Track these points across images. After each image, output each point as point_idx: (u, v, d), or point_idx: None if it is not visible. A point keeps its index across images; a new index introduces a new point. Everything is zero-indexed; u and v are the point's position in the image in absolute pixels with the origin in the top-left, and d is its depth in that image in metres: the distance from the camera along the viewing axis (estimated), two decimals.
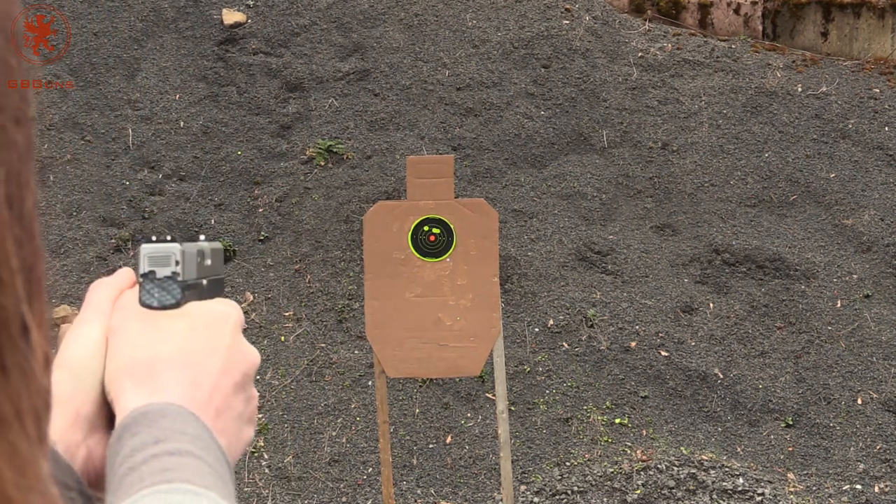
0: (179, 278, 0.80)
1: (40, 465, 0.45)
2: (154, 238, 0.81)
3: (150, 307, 0.78)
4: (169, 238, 0.81)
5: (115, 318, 0.78)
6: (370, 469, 5.38)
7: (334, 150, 6.87)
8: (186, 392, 0.74)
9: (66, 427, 0.73)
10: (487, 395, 5.68)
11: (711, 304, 6.12)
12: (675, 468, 5.28)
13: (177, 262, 0.80)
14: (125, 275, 0.82)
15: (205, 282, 0.83)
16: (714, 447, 5.48)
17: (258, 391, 5.77)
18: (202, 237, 0.87)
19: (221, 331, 0.79)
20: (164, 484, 0.66)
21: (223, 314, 0.80)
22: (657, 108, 7.17)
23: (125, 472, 0.67)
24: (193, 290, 0.81)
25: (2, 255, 0.43)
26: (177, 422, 0.71)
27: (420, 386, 5.76)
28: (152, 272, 0.79)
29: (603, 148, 6.96)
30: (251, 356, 0.80)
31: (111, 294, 0.80)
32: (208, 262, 0.85)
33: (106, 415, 0.76)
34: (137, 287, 0.80)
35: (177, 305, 0.79)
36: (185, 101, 7.13)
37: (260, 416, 5.59)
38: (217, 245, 0.89)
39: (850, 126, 7.03)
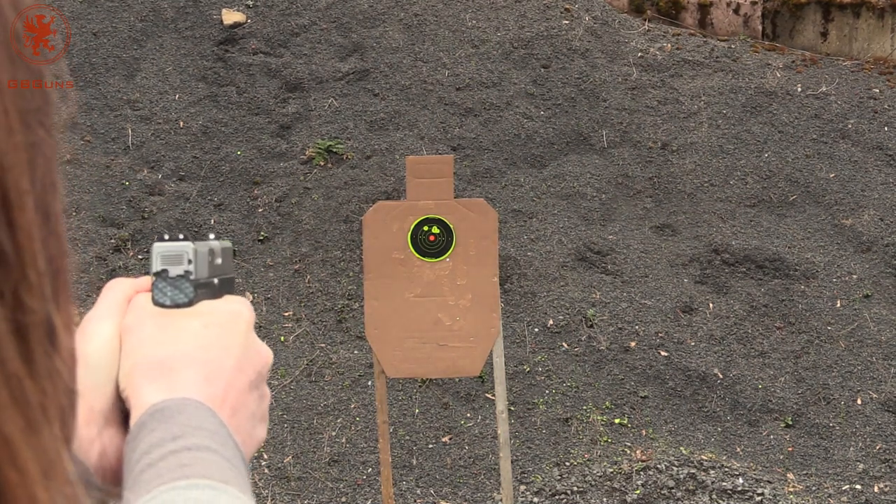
0: (192, 277, 0.80)
1: (66, 466, 0.45)
2: (167, 237, 0.81)
3: (162, 306, 0.78)
4: (181, 237, 0.81)
5: (129, 317, 0.78)
6: (370, 469, 5.38)
7: (334, 150, 6.87)
8: (202, 388, 0.74)
9: (81, 423, 0.73)
10: (487, 395, 5.68)
11: (711, 304, 6.12)
12: (675, 468, 5.28)
13: (189, 261, 0.80)
14: (144, 279, 0.82)
15: (216, 280, 0.83)
16: (714, 447, 5.48)
17: None
18: (212, 236, 0.87)
19: (235, 329, 0.78)
20: (182, 480, 0.65)
21: (236, 312, 0.80)
22: (657, 108, 7.17)
23: (143, 469, 0.67)
24: (206, 289, 0.81)
25: (30, 258, 0.43)
26: (194, 418, 0.71)
27: (420, 386, 5.76)
28: (165, 271, 0.79)
29: (603, 148, 6.96)
30: (265, 354, 0.80)
31: (127, 293, 0.80)
32: (219, 260, 0.85)
33: (119, 411, 0.75)
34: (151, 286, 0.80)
35: (189, 304, 0.79)
36: (185, 101, 7.13)
37: None
38: (227, 244, 0.88)
39: (850, 126, 7.03)
